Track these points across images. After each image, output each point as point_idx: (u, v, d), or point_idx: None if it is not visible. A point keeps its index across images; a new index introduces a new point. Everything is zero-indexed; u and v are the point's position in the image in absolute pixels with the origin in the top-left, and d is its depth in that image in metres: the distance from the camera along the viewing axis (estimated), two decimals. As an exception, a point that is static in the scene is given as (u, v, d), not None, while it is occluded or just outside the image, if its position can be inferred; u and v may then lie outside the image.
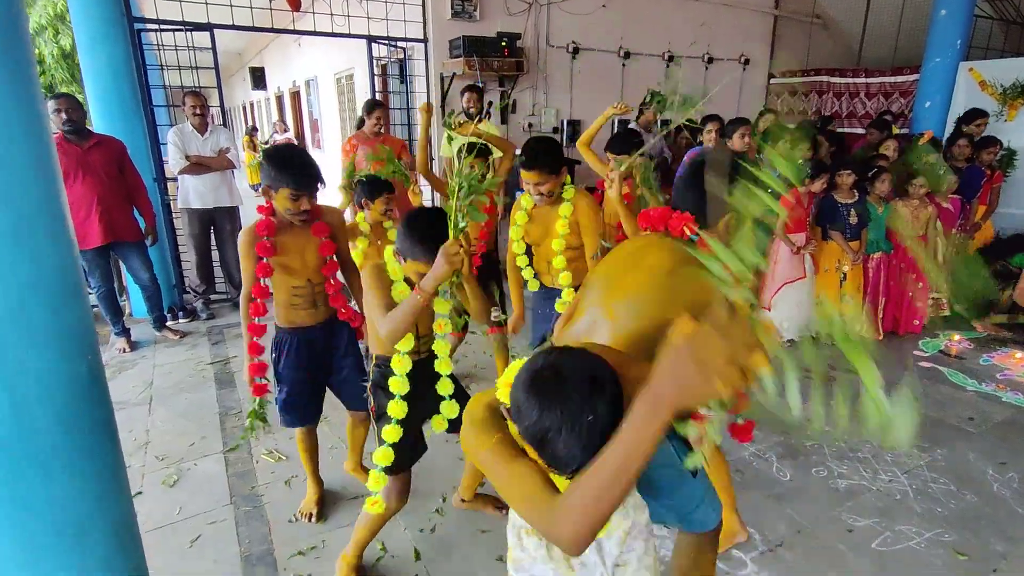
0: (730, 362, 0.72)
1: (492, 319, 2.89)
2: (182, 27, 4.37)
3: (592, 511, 0.84)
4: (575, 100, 5.93)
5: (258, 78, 10.31)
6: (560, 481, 0.98)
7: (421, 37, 5.18)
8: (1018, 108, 5.11)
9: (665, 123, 5.09)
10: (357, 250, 2.68)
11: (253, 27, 4.87)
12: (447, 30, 5.14)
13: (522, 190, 2.49)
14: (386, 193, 2.64)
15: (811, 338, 0.80)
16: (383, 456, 1.85)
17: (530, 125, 5.74)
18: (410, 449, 1.95)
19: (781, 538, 2.28)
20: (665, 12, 6.23)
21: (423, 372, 1.90)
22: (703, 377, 0.73)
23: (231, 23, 4.51)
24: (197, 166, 4.30)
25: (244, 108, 18.21)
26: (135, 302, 4.49)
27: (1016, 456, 2.82)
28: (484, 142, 2.90)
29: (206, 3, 4.34)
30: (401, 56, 5.43)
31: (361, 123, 4.25)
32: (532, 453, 0.98)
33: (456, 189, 1.59)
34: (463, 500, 2.42)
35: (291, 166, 1.95)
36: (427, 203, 5.00)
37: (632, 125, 4.85)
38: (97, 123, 4.15)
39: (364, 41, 5.08)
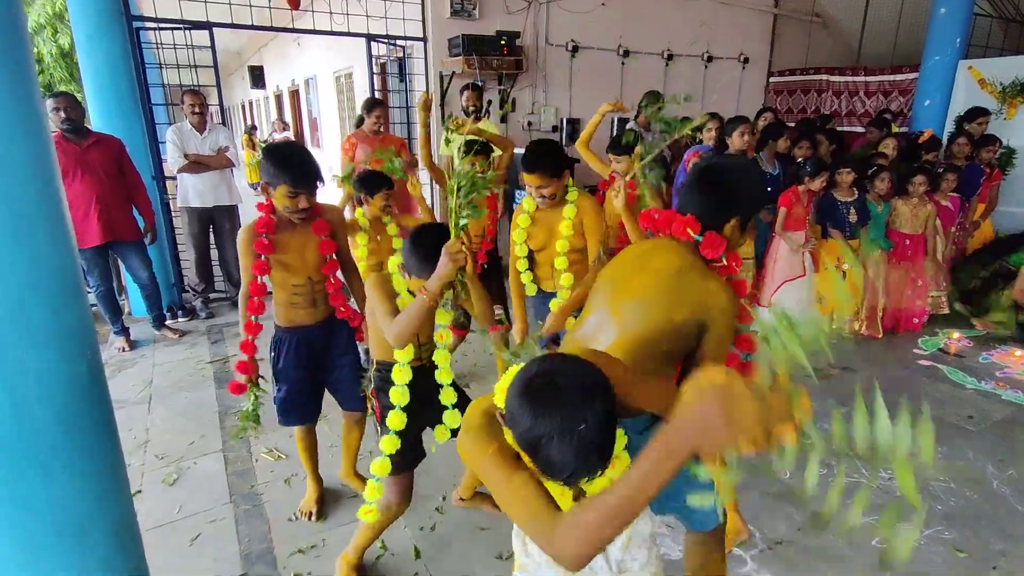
0: (759, 426, 0.74)
1: (494, 317, 2.89)
2: (181, 25, 4.36)
3: (596, 533, 0.85)
4: (574, 99, 5.92)
5: (257, 77, 10.31)
6: (553, 487, 1.00)
7: (420, 36, 5.17)
8: (1017, 106, 5.11)
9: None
10: (358, 246, 2.68)
11: (252, 26, 4.86)
12: (446, 28, 5.13)
13: (521, 188, 2.49)
14: (385, 189, 2.65)
15: (840, 421, 0.80)
16: (381, 467, 1.86)
17: (529, 124, 5.74)
18: (411, 450, 1.95)
19: (781, 536, 2.28)
20: (664, 10, 6.22)
21: (424, 380, 1.91)
22: (729, 432, 0.75)
23: (230, 21, 4.50)
24: (196, 165, 4.29)
25: (243, 107, 18.19)
26: (134, 301, 4.49)
27: (1015, 454, 2.83)
28: (484, 140, 2.90)
29: (205, 1, 4.33)
30: (400, 55, 5.43)
31: (360, 121, 4.25)
32: (527, 459, 0.98)
33: (455, 188, 1.59)
34: (462, 499, 2.43)
35: (290, 164, 1.94)
36: (426, 194, 5.02)
37: (631, 124, 4.84)
38: (96, 122, 4.14)
39: (363, 40, 5.07)
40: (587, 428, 0.90)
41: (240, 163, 5.02)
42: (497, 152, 3.28)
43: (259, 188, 2.04)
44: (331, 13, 4.97)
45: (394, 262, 1.81)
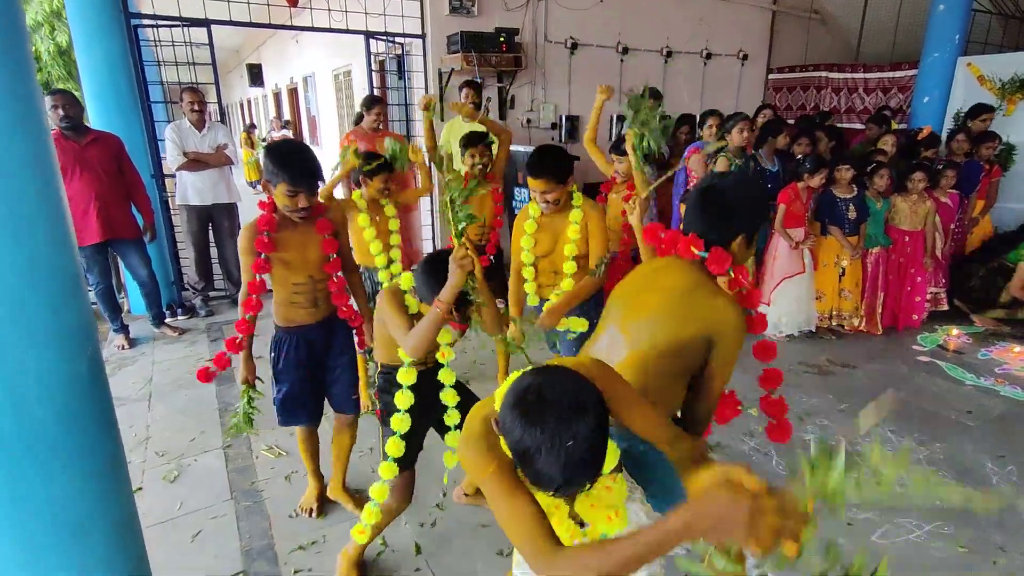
0: (772, 537, 0.82)
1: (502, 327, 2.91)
2: (179, 23, 4.35)
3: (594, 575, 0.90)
4: (573, 95, 5.91)
5: (256, 75, 10.29)
6: (543, 497, 1.02)
7: (419, 33, 5.16)
8: (1016, 103, 5.10)
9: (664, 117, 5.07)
10: (362, 228, 2.73)
11: (250, 23, 4.84)
12: (445, 26, 5.12)
13: (520, 185, 2.48)
14: (385, 172, 2.68)
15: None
16: (388, 470, 1.87)
17: (528, 121, 5.73)
18: (413, 450, 1.97)
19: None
20: (663, 7, 6.21)
21: (428, 382, 1.92)
22: (742, 533, 0.82)
23: (228, 19, 4.49)
24: (195, 162, 4.29)
25: (242, 105, 18.16)
26: (133, 299, 4.48)
27: (1014, 449, 2.83)
28: (484, 130, 2.90)
29: (203, -1, 4.32)
30: (399, 52, 5.41)
31: (359, 119, 4.24)
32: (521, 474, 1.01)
33: (449, 201, 1.59)
34: (464, 495, 2.43)
35: (289, 163, 1.94)
36: (425, 198, 5.02)
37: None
38: (94, 119, 4.13)
39: (362, 37, 5.06)
40: (575, 444, 0.91)
41: (239, 161, 5.01)
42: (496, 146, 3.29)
43: (260, 186, 2.05)
44: (330, 10, 4.95)
45: (407, 279, 1.83)
